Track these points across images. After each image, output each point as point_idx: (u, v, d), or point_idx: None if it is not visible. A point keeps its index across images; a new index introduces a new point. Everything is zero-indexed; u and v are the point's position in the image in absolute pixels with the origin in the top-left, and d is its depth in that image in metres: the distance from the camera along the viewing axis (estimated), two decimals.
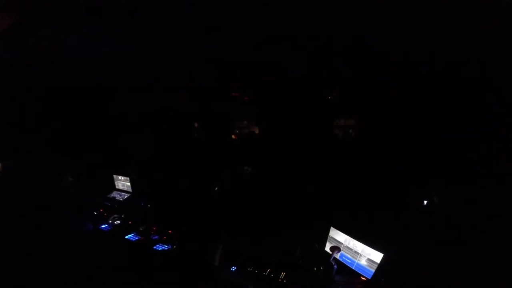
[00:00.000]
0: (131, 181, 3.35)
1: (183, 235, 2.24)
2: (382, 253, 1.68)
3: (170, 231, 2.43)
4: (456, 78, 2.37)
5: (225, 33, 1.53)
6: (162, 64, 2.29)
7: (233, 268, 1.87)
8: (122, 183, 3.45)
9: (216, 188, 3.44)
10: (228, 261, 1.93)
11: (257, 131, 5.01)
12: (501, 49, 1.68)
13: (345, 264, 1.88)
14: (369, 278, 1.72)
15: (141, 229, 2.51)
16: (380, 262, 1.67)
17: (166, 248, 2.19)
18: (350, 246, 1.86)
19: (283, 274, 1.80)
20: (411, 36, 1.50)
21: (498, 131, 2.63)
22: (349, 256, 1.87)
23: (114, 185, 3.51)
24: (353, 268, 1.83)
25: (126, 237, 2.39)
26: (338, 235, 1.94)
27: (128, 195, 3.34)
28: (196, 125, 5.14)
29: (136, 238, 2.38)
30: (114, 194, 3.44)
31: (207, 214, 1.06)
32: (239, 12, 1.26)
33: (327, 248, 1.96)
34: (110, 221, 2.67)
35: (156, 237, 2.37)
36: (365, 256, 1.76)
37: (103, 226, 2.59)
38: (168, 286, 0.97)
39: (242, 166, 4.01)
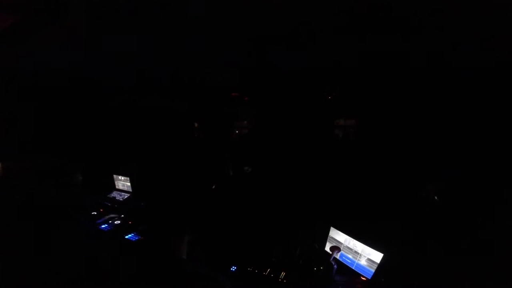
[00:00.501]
0: (131, 181, 3.36)
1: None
2: (382, 253, 1.68)
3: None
4: (458, 77, 2.37)
5: (225, 32, 1.53)
6: (162, 64, 2.29)
7: (233, 268, 1.87)
8: (122, 183, 3.45)
9: (214, 187, 3.44)
10: (228, 260, 1.93)
11: (257, 131, 5.01)
12: (502, 48, 1.68)
13: (345, 264, 1.88)
14: (369, 278, 1.72)
15: (141, 229, 2.51)
16: (380, 262, 1.67)
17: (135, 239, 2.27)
18: (350, 246, 1.86)
19: (283, 274, 1.80)
20: (413, 34, 1.50)
21: (498, 130, 2.63)
22: (349, 256, 1.87)
23: (114, 185, 3.51)
24: (353, 268, 1.83)
25: (126, 237, 2.39)
26: (338, 235, 1.94)
27: (128, 195, 3.35)
28: (196, 125, 5.14)
29: (136, 238, 2.38)
30: (114, 194, 3.44)
31: (178, 209, 1.05)
32: (239, 12, 1.26)
33: (327, 248, 1.96)
34: (110, 221, 2.67)
35: None
36: (365, 256, 1.76)
37: (103, 226, 2.60)
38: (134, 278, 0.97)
39: (242, 166, 4.01)
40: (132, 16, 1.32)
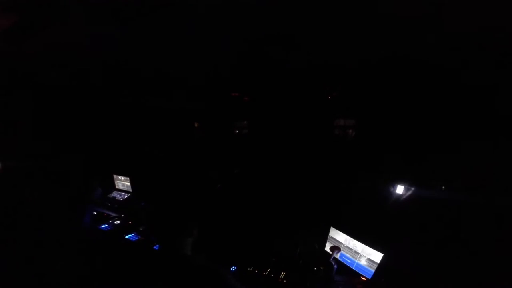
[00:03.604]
0: (131, 181, 3.36)
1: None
2: (382, 253, 1.68)
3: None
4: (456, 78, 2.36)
5: (224, 32, 1.53)
6: (161, 63, 2.29)
7: (233, 268, 1.87)
8: (122, 183, 3.45)
9: (219, 186, 3.45)
10: (228, 260, 1.93)
11: (257, 132, 5.01)
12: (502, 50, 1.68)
13: (345, 264, 1.88)
14: (369, 278, 1.72)
15: (141, 229, 2.51)
16: (380, 262, 1.67)
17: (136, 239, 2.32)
18: (350, 246, 1.86)
19: (283, 274, 1.81)
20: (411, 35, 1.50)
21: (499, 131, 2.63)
22: (349, 256, 1.87)
23: (114, 185, 3.51)
24: (353, 268, 1.83)
25: (126, 237, 2.39)
26: (338, 235, 1.94)
27: (128, 195, 3.35)
28: (196, 125, 5.14)
29: (136, 238, 2.38)
30: (114, 194, 3.44)
31: (184, 209, 1.08)
32: (238, 11, 1.26)
33: (327, 248, 1.97)
34: (110, 221, 2.68)
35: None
36: (365, 256, 1.76)
37: (103, 226, 2.60)
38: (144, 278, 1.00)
39: (241, 167, 4.02)
40: (132, 15, 1.32)
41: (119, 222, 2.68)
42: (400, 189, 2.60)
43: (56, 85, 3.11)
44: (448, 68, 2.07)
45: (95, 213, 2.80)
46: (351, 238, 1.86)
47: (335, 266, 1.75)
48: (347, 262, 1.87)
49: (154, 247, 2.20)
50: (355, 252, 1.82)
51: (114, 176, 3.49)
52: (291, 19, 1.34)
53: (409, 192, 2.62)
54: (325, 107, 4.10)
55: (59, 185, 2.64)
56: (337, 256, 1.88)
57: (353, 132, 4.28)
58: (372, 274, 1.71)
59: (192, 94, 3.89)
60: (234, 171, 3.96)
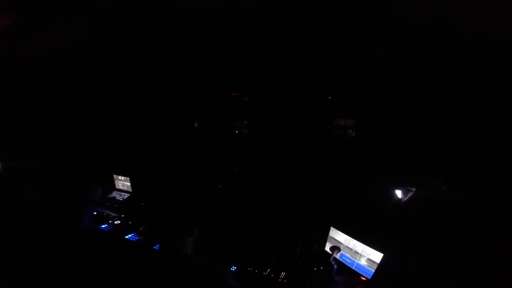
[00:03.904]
0: (131, 181, 3.36)
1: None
2: (382, 253, 1.68)
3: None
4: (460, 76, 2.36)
5: (224, 32, 1.53)
6: (161, 63, 2.29)
7: (233, 268, 1.87)
8: (122, 183, 3.45)
9: (221, 186, 3.46)
10: (228, 260, 1.93)
11: (257, 132, 5.01)
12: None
13: (345, 264, 1.88)
14: (369, 278, 1.72)
15: (141, 229, 2.51)
16: (380, 262, 1.67)
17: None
18: (350, 246, 1.86)
19: (283, 274, 1.81)
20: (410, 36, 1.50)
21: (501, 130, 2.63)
22: (349, 256, 1.87)
23: (114, 185, 3.51)
24: (353, 268, 1.83)
25: (126, 237, 2.39)
26: (338, 235, 1.94)
27: (128, 195, 3.35)
28: (196, 125, 5.14)
29: (136, 238, 2.38)
30: (114, 194, 3.44)
31: (184, 209, 1.09)
32: (238, 11, 1.26)
33: (327, 248, 1.96)
34: (110, 221, 2.68)
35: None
36: (365, 256, 1.76)
37: (103, 226, 2.60)
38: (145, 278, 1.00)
39: (241, 167, 4.02)
40: (132, 15, 1.32)
41: (119, 222, 2.68)
42: (400, 189, 2.60)
43: (56, 85, 3.11)
44: (448, 68, 2.07)
45: (95, 213, 2.79)
46: (351, 238, 1.86)
47: (335, 266, 1.75)
48: (347, 262, 1.87)
49: (154, 247, 2.20)
50: (355, 252, 1.82)
51: (114, 176, 3.49)
52: (291, 19, 1.34)
53: (409, 192, 2.62)
54: (325, 107, 4.10)
55: (59, 185, 2.64)
56: (337, 256, 1.88)
57: (353, 132, 4.28)
58: (372, 274, 1.71)
59: (192, 94, 3.89)
60: (234, 171, 3.96)
